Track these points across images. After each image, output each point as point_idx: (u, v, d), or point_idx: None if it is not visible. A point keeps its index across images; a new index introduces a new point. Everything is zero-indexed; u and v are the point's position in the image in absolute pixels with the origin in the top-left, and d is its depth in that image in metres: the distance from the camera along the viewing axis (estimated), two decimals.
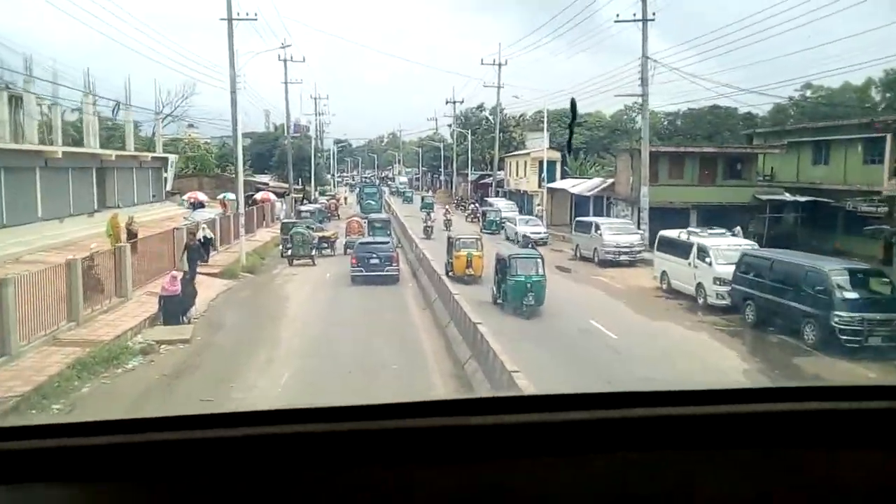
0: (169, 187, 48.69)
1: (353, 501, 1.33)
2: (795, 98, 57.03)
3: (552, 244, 39.60)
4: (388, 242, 28.37)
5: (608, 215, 38.96)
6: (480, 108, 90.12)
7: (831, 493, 1.37)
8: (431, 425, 1.34)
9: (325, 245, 34.24)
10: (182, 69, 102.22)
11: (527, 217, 42.95)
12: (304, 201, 61.57)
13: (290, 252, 31.16)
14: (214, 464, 1.31)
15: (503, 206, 50.02)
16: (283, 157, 70.21)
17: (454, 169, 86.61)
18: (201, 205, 50.68)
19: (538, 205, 49.81)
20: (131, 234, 29.57)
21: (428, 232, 40.92)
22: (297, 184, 71.45)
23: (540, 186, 49.45)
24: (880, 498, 1.37)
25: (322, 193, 77.67)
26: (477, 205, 58.61)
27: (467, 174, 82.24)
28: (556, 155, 51.22)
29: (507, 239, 41.83)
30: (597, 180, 43.14)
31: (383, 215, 43.63)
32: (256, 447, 1.30)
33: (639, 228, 32.94)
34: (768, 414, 1.40)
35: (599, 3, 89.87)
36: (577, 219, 35.16)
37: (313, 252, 31.54)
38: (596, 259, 31.19)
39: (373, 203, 57.50)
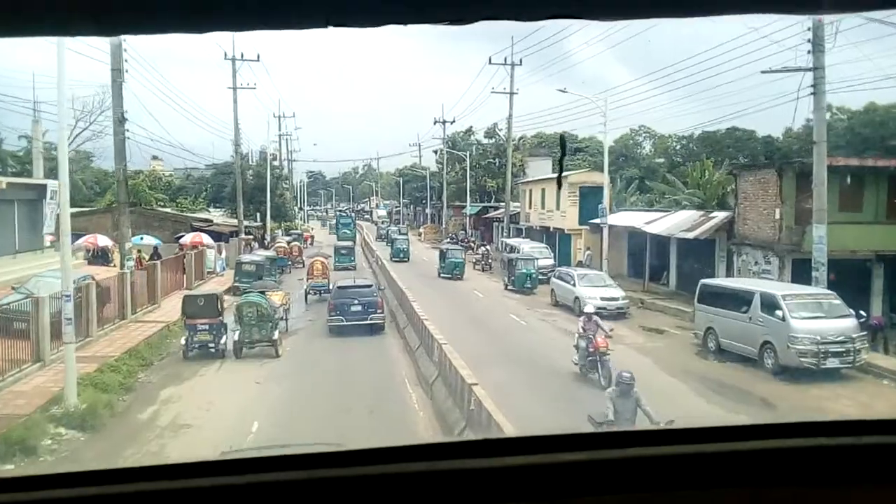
0: (50, 228, 33.43)
1: None
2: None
3: (633, 315, 25.05)
4: (370, 286, 23.88)
5: (730, 270, 24.52)
6: (469, 131, 76.91)
7: None
8: (426, 469, 1.27)
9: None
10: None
11: (585, 271, 28.10)
12: (255, 242, 46.60)
13: (235, 338, 18.58)
14: None
15: (531, 251, 35.40)
16: (244, 186, 55.64)
17: (445, 200, 72.17)
18: (103, 253, 35.65)
19: (584, 249, 35.23)
20: None
21: None
22: (257, 220, 56.73)
23: (586, 222, 35.01)
24: None
25: (288, 231, 62.72)
26: (487, 248, 43.95)
27: (462, 206, 68.14)
28: (601, 180, 36.83)
29: (556, 304, 27.22)
30: (690, 214, 28.71)
31: (348, 243, 46.30)
32: (240, 496, 1.24)
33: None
34: (759, 451, 1.34)
35: (567, 32, 75.52)
36: (706, 282, 20.45)
37: (276, 334, 19.07)
38: (769, 363, 16.64)
39: (348, 232, 62.13)
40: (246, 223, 53.74)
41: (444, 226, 72.03)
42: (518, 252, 35.55)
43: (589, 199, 36.39)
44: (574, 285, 25.75)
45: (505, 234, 46.73)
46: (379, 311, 22.23)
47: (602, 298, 24.58)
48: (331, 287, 25.22)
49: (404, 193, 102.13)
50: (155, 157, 61.65)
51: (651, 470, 1.29)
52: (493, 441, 1.31)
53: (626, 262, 33.98)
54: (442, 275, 36.22)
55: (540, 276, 31.71)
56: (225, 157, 70.59)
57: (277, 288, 25.86)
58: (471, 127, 76.15)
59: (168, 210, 50.81)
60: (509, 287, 31.98)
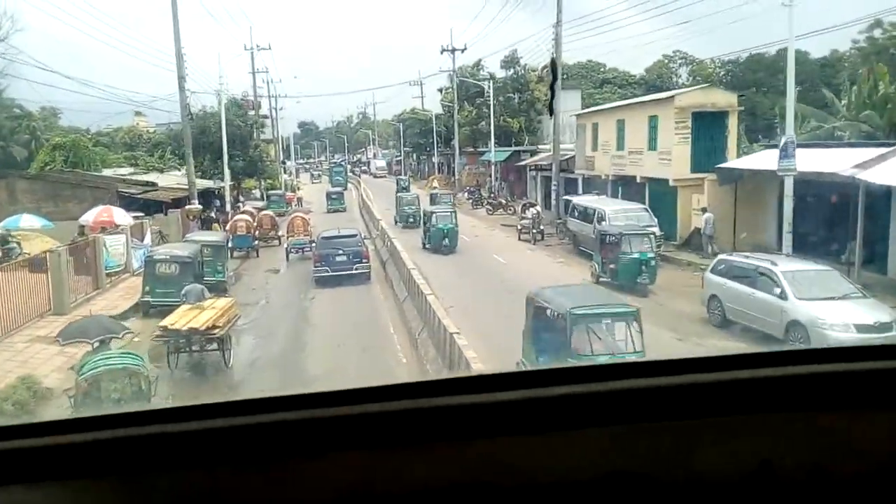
0: None
1: (342, 485, 1.25)
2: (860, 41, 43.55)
3: None
4: (355, 235, 23.09)
5: None
6: (478, 65, 63.33)
7: (834, 456, 1.29)
8: (417, 406, 1.25)
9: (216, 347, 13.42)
10: None
11: (794, 264, 14.11)
12: (216, 213, 33.90)
13: None
14: (194, 456, 1.22)
15: (617, 214, 22.80)
16: (211, 137, 43.69)
17: (457, 146, 58.92)
18: None
19: (700, 208, 22.37)
20: None
21: None
22: (224, 179, 43.92)
23: (705, 168, 22.14)
24: (888, 460, 1.27)
25: (268, 192, 50.10)
26: (537, 209, 31.12)
27: (479, 152, 55.58)
28: (726, 101, 23.85)
29: (725, 324, 14.69)
30: None
31: (339, 189, 53.12)
32: (237, 437, 1.23)
33: None
34: (762, 379, 1.30)
35: None
36: None
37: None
38: None
39: (340, 179, 69.23)
40: (209, 184, 41.20)
41: (456, 177, 59.24)
42: (601, 218, 22.92)
43: (709, 133, 23.55)
44: (782, 296, 12.99)
45: (554, 187, 33.95)
46: (364, 260, 21.93)
47: (857, 327, 11.97)
48: (314, 241, 23.96)
49: (405, 141, 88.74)
50: (138, 113, 57.84)
51: (653, 400, 1.25)
52: (493, 376, 1.29)
53: (775, 230, 21.22)
54: None
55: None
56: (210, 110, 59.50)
57: (213, 295, 13.64)
58: (479, 60, 62.82)
59: (97, 174, 37.81)
60: (603, 278, 19.51)
